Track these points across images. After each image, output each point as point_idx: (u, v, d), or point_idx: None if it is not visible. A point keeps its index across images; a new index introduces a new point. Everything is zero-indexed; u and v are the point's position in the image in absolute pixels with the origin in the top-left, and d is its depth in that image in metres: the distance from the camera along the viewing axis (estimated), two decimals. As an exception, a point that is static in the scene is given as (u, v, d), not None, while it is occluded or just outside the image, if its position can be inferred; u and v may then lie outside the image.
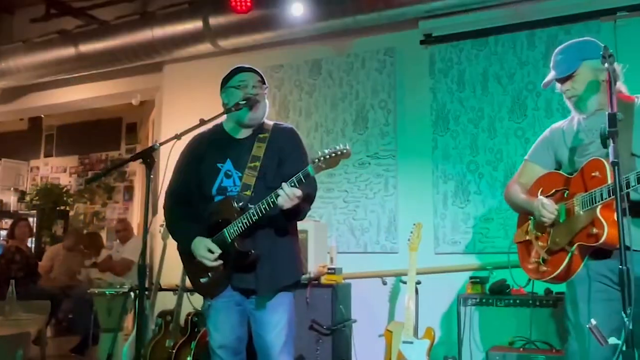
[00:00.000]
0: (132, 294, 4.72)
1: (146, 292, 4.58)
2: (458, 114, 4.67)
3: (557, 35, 4.40)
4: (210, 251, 2.60)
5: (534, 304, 3.76)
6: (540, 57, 4.45)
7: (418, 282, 4.02)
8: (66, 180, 9.72)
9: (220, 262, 2.61)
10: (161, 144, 2.57)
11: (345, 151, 2.29)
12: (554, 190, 2.47)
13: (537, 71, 4.44)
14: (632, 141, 2.30)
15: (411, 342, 3.83)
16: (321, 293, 4.13)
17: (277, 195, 2.40)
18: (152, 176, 2.50)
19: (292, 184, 2.38)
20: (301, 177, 2.37)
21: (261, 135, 2.73)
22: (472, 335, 3.93)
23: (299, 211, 2.56)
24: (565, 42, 4.34)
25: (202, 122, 2.66)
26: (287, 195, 2.37)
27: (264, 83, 2.79)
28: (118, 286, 4.90)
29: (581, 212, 2.28)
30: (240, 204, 2.58)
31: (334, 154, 2.29)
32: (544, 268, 2.42)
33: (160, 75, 6.09)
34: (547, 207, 2.40)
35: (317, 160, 2.31)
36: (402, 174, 4.84)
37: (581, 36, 4.23)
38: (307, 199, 2.56)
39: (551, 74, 2.52)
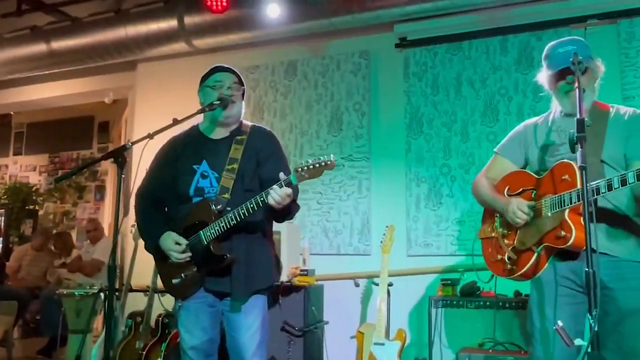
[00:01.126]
0: (101, 294, 4.66)
1: (116, 293, 4.56)
2: (432, 117, 4.72)
3: (529, 42, 4.48)
4: (178, 244, 2.59)
5: (503, 306, 3.81)
6: (512, 63, 4.52)
7: (390, 284, 4.04)
8: (36, 179, 9.54)
9: (188, 254, 2.60)
10: (133, 143, 2.56)
11: (329, 162, 2.28)
12: (521, 189, 2.50)
13: (509, 76, 4.52)
14: (602, 149, 2.34)
15: (382, 344, 3.85)
16: (293, 295, 4.13)
17: (264, 199, 2.37)
18: (123, 176, 2.47)
19: (280, 186, 2.38)
20: (283, 185, 2.36)
21: (239, 137, 2.72)
22: (442, 336, 3.96)
23: (290, 211, 2.57)
24: (537, 48, 4.46)
25: (176, 122, 2.63)
26: (279, 196, 2.35)
27: (242, 84, 2.80)
28: (87, 287, 4.82)
29: (549, 214, 2.31)
30: (219, 207, 2.57)
31: (317, 165, 2.29)
32: (510, 266, 2.45)
33: (133, 73, 6.03)
34: (524, 209, 2.40)
35: (300, 169, 2.31)
36: (376, 176, 4.87)
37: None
38: (294, 201, 2.57)
39: (553, 66, 2.45)
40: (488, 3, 4.34)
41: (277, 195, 2.35)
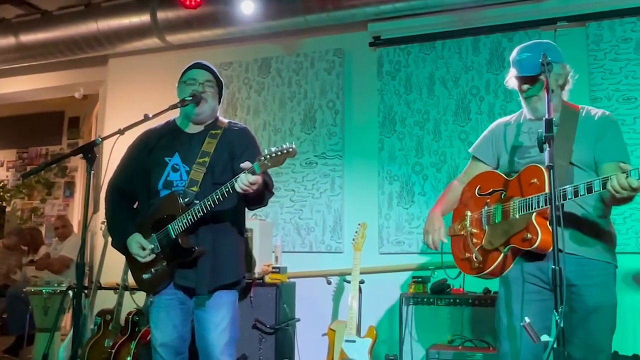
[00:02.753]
0: (70, 292, 4.59)
1: (85, 291, 4.50)
2: (404, 116, 4.75)
3: (501, 43, 4.54)
4: (142, 248, 2.61)
5: (473, 303, 3.86)
6: (484, 63, 4.58)
7: (362, 282, 4.06)
8: (3, 174, 9.34)
9: (152, 256, 2.62)
10: (103, 138, 2.53)
11: (291, 150, 2.29)
12: (491, 190, 2.53)
13: (480, 76, 4.57)
14: (572, 151, 2.38)
15: (353, 341, 3.87)
16: (265, 292, 4.11)
17: (232, 186, 2.37)
18: (93, 172, 2.44)
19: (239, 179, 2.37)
20: (247, 174, 2.36)
21: (213, 132, 2.73)
22: (413, 333, 4.00)
23: (263, 197, 2.58)
24: (508, 48, 4.53)
25: (147, 118, 2.62)
26: (244, 184, 2.35)
27: (218, 82, 2.80)
28: (55, 284, 4.75)
29: (517, 216, 2.35)
30: (186, 199, 2.57)
31: (279, 153, 2.30)
32: (477, 265, 2.49)
33: (104, 68, 5.95)
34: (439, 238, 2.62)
35: (262, 158, 2.31)
36: (349, 174, 4.89)
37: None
38: (267, 187, 2.59)
39: (513, 71, 2.51)
40: (461, 4, 4.38)
41: (241, 182, 2.35)
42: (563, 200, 2.16)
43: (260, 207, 2.74)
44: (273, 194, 2.69)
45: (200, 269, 2.57)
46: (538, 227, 2.24)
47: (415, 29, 4.75)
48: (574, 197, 2.14)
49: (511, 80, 2.55)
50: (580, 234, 2.35)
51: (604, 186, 2.05)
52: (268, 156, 2.30)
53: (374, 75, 4.89)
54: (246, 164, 2.36)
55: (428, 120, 4.68)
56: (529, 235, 2.26)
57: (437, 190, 4.54)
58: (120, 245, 2.69)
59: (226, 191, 2.41)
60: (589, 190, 2.10)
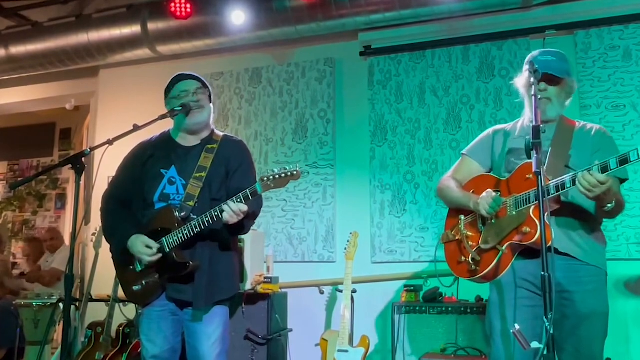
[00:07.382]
0: (60, 305, 4.55)
1: (76, 303, 4.47)
2: (396, 125, 4.76)
3: (490, 51, 4.56)
4: (148, 247, 2.55)
5: (465, 312, 3.85)
6: (474, 71, 4.60)
7: (354, 291, 4.05)
8: (-6, 187, 9.30)
9: (159, 255, 2.55)
10: (92, 149, 2.53)
11: (295, 173, 2.29)
12: None
13: (471, 85, 4.59)
14: (568, 157, 2.41)
15: (346, 351, 3.85)
16: (257, 302, 4.09)
17: (222, 211, 2.38)
18: (81, 182, 2.43)
19: (239, 200, 2.37)
20: (248, 194, 2.37)
21: (209, 146, 2.71)
22: (406, 342, 3.98)
23: (243, 226, 2.55)
24: (497, 57, 4.56)
25: (136, 128, 2.61)
26: (233, 211, 2.36)
27: (206, 87, 2.79)
28: (46, 297, 4.71)
29: (514, 212, 2.35)
30: (183, 214, 2.55)
31: (283, 175, 2.29)
32: (474, 267, 2.46)
33: (95, 80, 5.94)
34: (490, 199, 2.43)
35: (266, 178, 2.30)
36: (341, 183, 4.89)
37: (513, 52, 4.45)
38: (252, 216, 2.56)
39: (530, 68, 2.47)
40: (450, 13, 4.40)
41: (230, 209, 2.36)
42: (562, 190, 2.21)
43: (240, 235, 2.72)
44: (254, 223, 2.68)
45: (197, 284, 2.54)
46: (537, 220, 2.24)
47: (406, 39, 4.78)
48: (572, 185, 2.18)
49: (521, 79, 2.54)
50: (574, 229, 2.36)
51: (604, 170, 2.09)
52: (271, 177, 2.29)
53: (365, 84, 4.91)
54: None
55: (419, 129, 4.69)
56: (528, 229, 2.26)
57: (428, 198, 4.54)
58: (121, 247, 2.61)
59: (215, 215, 2.40)
60: (573, 182, 2.16)
